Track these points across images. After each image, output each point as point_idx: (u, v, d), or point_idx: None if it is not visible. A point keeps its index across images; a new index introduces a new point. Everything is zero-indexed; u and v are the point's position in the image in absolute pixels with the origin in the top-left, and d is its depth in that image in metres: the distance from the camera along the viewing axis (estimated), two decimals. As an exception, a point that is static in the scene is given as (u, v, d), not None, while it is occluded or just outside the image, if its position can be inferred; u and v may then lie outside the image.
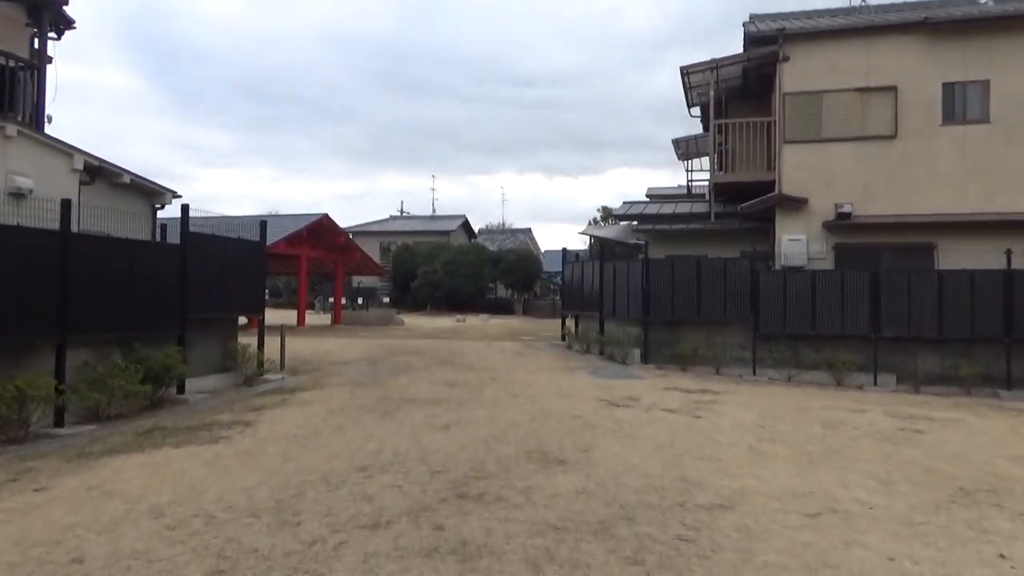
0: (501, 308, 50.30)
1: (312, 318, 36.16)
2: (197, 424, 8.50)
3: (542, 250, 62.80)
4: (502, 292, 53.69)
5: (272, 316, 36.63)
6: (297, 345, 17.02)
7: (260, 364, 12.36)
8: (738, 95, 17.56)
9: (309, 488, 5.55)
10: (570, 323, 18.96)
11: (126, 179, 11.77)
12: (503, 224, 72.62)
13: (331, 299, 37.32)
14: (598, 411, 9.21)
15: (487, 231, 68.74)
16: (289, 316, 27.47)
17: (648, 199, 19.48)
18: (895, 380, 13.69)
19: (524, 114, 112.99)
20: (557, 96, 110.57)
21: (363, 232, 55.34)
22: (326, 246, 28.18)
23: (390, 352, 16.10)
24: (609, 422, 8.42)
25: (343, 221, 54.34)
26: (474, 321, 37.07)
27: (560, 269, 63.95)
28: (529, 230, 70.20)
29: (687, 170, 25.07)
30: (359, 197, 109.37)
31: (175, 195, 13.18)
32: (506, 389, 11.20)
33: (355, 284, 50.19)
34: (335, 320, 30.02)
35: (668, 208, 17.55)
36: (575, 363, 15.28)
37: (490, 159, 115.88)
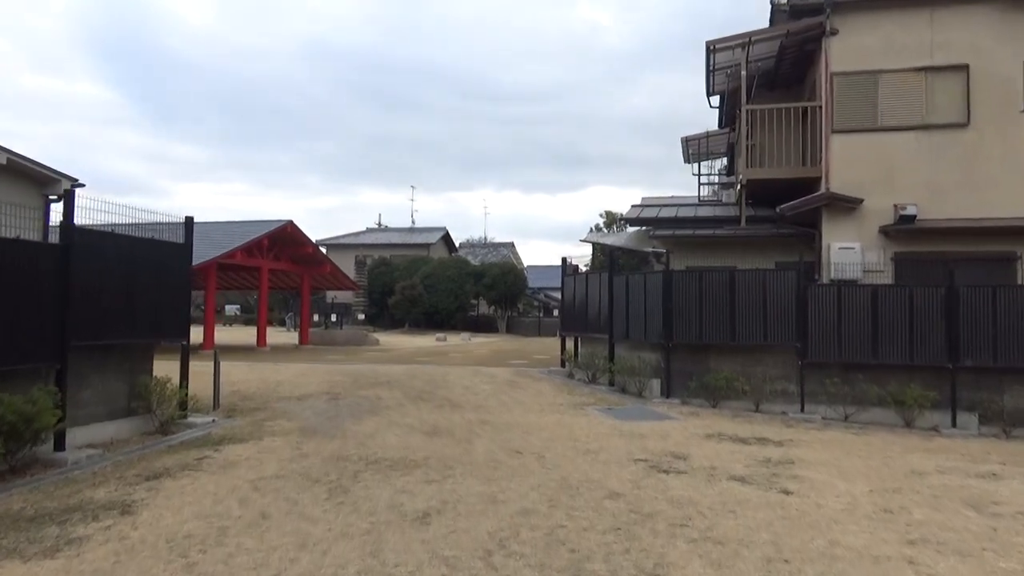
0: (484, 326, 47.49)
1: (279, 337, 33.17)
2: (53, 509, 5.67)
3: (524, 265, 60.28)
4: (484, 309, 50.95)
5: (232, 336, 33.66)
6: (245, 373, 14.13)
7: (182, 404, 9.50)
8: (765, 83, 15.08)
9: None
10: (570, 345, 16.26)
11: (1, 159, 8.92)
12: (485, 238, 69.99)
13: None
14: (642, 482, 6.48)
15: (468, 245, 66.06)
16: (251, 335, 24.50)
17: (659, 206, 16.90)
18: (977, 421, 11.15)
19: (503, 130, 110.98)
20: (535, 112, 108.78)
21: (337, 245, 52.37)
22: (291, 257, 25.29)
23: (357, 382, 13.27)
24: (666, 506, 5.70)
25: (319, 236, 51.45)
26: (456, 340, 34.28)
27: (544, 285, 61.49)
28: (512, 244, 67.67)
29: (695, 174, 22.64)
30: (336, 212, 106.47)
31: (74, 182, 10.31)
32: (505, 440, 8.45)
33: (329, 300, 47.20)
34: (302, 340, 27.07)
35: (687, 211, 14.96)
36: (582, 397, 12.56)
37: (469, 175, 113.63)
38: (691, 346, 12.51)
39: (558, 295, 62.74)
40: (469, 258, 51.89)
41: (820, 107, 12.86)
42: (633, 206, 15.72)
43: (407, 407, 10.82)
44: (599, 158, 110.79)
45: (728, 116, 16.96)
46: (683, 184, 34.80)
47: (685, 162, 22.79)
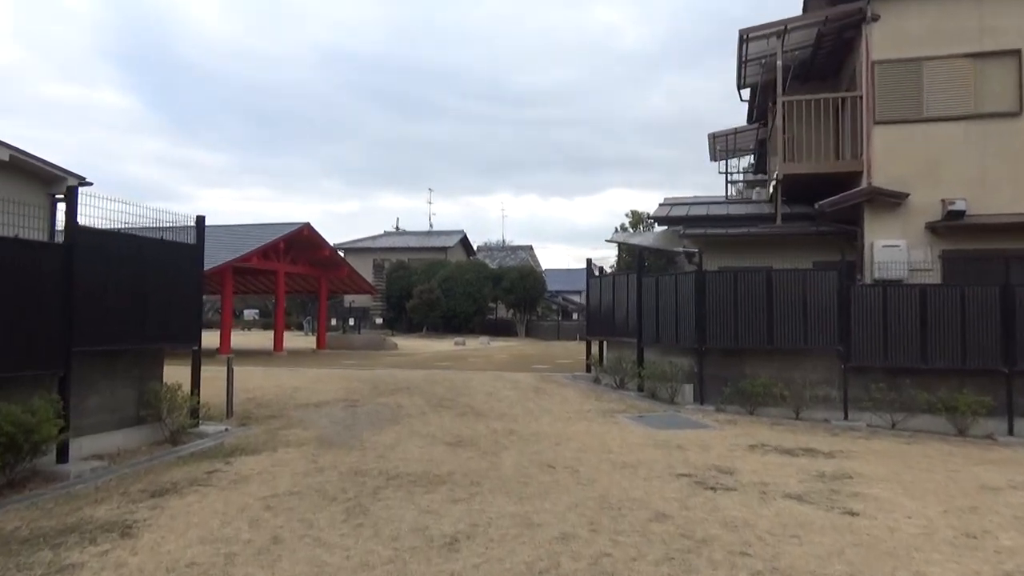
0: (502, 329, 46.96)
1: (296, 341, 32.84)
2: (49, 529, 5.21)
3: (542, 268, 59.69)
4: (502, 312, 50.42)
5: (249, 340, 33.34)
6: (260, 379, 13.69)
7: (194, 412, 9.04)
8: (799, 74, 14.40)
9: None
10: (595, 349, 15.67)
11: (3, 155, 8.51)
12: (503, 241, 69.52)
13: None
14: (689, 501, 5.90)
15: (486, 248, 65.62)
16: (269, 339, 24.16)
17: (688, 204, 16.24)
18: (1035, 428, 10.45)
19: (519, 133, 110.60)
20: (552, 115, 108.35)
21: (355, 248, 52.10)
22: (308, 260, 24.89)
23: (376, 388, 12.77)
24: (720, 530, 5.11)
25: (337, 239, 51.25)
26: (474, 344, 33.78)
27: (562, 288, 60.80)
28: (530, 247, 67.20)
29: (721, 172, 22.02)
30: (355, 216, 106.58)
31: (81, 180, 9.89)
32: (535, 452, 7.89)
33: (347, 304, 46.89)
34: (319, 344, 26.67)
35: (718, 209, 14.32)
36: (611, 403, 11.98)
37: (486, 179, 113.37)
38: (725, 350, 11.90)
39: (576, 298, 62.13)
40: (487, 261, 51.42)
41: (860, 97, 12.19)
42: (661, 204, 15.11)
43: (428, 415, 10.29)
44: (615, 160, 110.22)
45: (759, 110, 16.31)
46: (701, 186, 34.18)
47: (711, 160, 22.18)
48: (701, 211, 14.29)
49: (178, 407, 8.72)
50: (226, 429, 9.23)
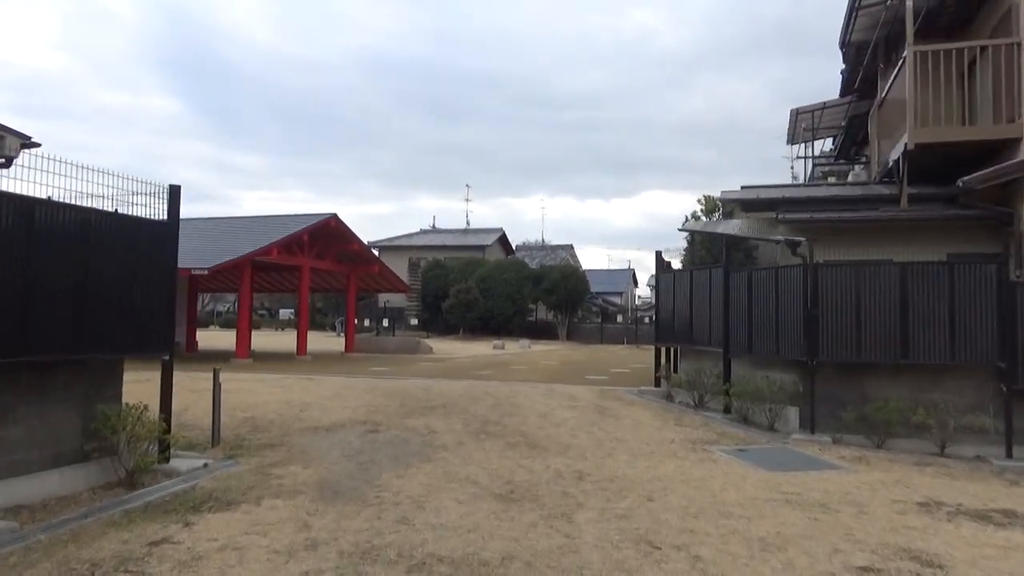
0: (543, 332, 44.55)
1: (325, 343, 30.92)
2: None
3: (582, 269, 57.14)
4: (542, 314, 48.03)
5: (275, 342, 31.39)
6: (267, 393, 11.54)
7: (163, 444, 6.86)
8: (919, 29, 11.76)
9: None
10: (663, 358, 13.23)
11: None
12: (543, 240, 67.16)
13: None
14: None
15: (525, 247, 63.29)
16: (296, 342, 22.18)
17: (775, 187, 13.67)
18: None
19: (556, 136, 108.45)
20: (589, 118, 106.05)
21: (390, 247, 50.24)
22: (336, 255, 22.84)
23: (404, 405, 10.54)
24: None
25: (372, 239, 49.42)
26: (514, 348, 31.50)
27: (601, 290, 58.20)
28: (571, 247, 64.70)
29: (800, 156, 19.45)
30: (391, 218, 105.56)
31: (27, 142, 7.82)
32: (622, 515, 5.52)
33: (381, 304, 44.98)
34: (348, 347, 24.60)
35: (820, 191, 11.73)
36: (695, 430, 9.56)
37: (523, 181, 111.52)
38: (841, 365, 9.41)
39: (616, 299, 59.58)
40: (527, 261, 49.10)
41: (1018, 44, 9.57)
42: (744, 188, 12.61)
43: (469, 446, 7.98)
44: (652, 163, 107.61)
45: (865, 76, 13.65)
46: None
47: (788, 142, 19.57)
48: (801, 193, 11.74)
49: (140, 437, 6.53)
50: (205, 464, 7.04)
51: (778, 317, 9.90)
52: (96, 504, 5.79)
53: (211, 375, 8.27)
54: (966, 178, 9.43)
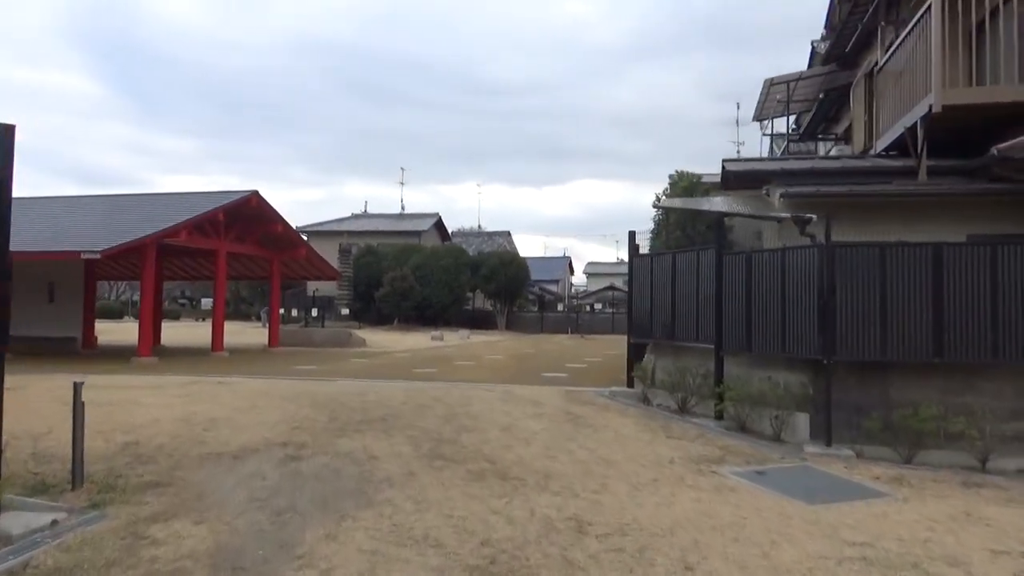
0: (481, 322, 42.79)
1: (247, 336, 28.39)
2: None
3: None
4: (480, 302, 46.26)
5: (191, 335, 28.62)
6: (163, 406, 9.37)
7: (-19, 494, 4.77)
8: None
9: None
10: (647, 358, 11.62)
11: None
12: (479, 226, 65.33)
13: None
14: None
15: (461, 234, 61.33)
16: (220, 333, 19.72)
17: (767, 160, 12.14)
18: None
19: (488, 124, 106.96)
20: (521, 106, 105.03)
21: (320, 232, 47.51)
22: (257, 239, 20.44)
23: (336, 419, 8.59)
24: None
25: (300, 223, 46.53)
26: (454, 339, 29.64)
27: (537, 278, 57.02)
28: (508, 233, 63.07)
29: (766, 134, 18.18)
30: (322, 204, 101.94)
31: None
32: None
33: (311, 293, 42.27)
34: (272, 341, 22.24)
35: (824, 163, 10.22)
36: (690, 443, 7.96)
37: (455, 168, 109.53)
38: (861, 364, 7.98)
39: (553, 287, 58.35)
40: (464, 247, 47.16)
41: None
42: (727, 160, 11.06)
43: (421, 479, 6.13)
44: (584, 152, 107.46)
45: (859, 41, 12.22)
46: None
47: (755, 119, 18.26)
48: (802, 164, 10.24)
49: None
50: (53, 522, 4.97)
51: (784, 308, 8.38)
52: None
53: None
54: (1002, 146, 8.07)
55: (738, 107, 52.62)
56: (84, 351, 19.71)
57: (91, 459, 6.41)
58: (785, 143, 18.24)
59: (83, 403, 5.91)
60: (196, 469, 6.32)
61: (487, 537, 4.71)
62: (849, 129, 15.16)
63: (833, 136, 16.94)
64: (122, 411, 8.52)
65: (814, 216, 8.39)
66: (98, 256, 14.35)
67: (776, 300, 8.48)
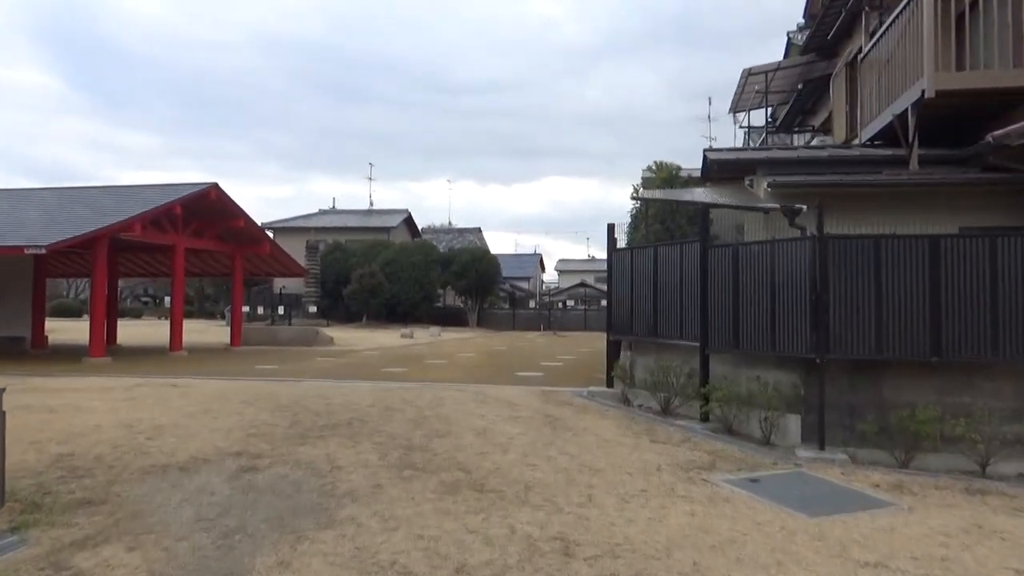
0: (452, 319, 42.13)
1: (210, 335, 27.49)
2: None
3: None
4: (450, 299, 45.63)
5: (150, 333, 27.59)
6: (106, 411, 8.66)
7: None
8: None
9: None
10: (624, 356, 11.15)
11: None
12: (450, 223, 64.63)
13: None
14: None
15: (432, 230, 60.60)
16: (182, 331, 18.84)
17: (752, 148, 11.74)
18: None
19: (457, 122, 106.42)
20: (490, 104, 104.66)
21: (286, 228, 46.48)
22: (218, 234, 19.61)
23: (297, 424, 7.98)
24: None
25: (267, 219, 45.42)
26: (424, 337, 29.00)
27: (508, 275, 56.62)
28: (479, 230, 62.45)
29: (742, 127, 17.86)
30: (291, 201, 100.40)
31: None
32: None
33: (277, 290, 41.26)
34: (234, 339, 21.42)
35: (813, 152, 9.84)
36: (677, 447, 7.49)
37: (424, 166, 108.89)
38: (854, 363, 7.58)
39: (524, 284, 57.96)
40: (434, 244, 46.45)
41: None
42: (708, 150, 10.63)
43: (389, 492, 5.56)
44: (553, 150, 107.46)
45: (841, 28, 11.90)
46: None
47: (731, 111, 17.91)
48: (790, 154, 9.83)
49: None
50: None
51: (774, 303, 7.95)
52: None
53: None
54: (997, 133, 7.72)
55: (710, 102, 52.84)
56: (33, 351, 18.73)
57: (18, 473, 5.77)
58: (763, 135, 17.96)
59: (3, 412, 5.23)
60: (136, 483, 5.68)
61: (462, 562, 4.16)
62: (827, 121, 14.87)
63: (810, 128, 16.67)
64: (61, 418, 7.81)
65: (804, 207, 7.98)
66: (43, 251, 13.46)
67: (765, 295, 8.05)
